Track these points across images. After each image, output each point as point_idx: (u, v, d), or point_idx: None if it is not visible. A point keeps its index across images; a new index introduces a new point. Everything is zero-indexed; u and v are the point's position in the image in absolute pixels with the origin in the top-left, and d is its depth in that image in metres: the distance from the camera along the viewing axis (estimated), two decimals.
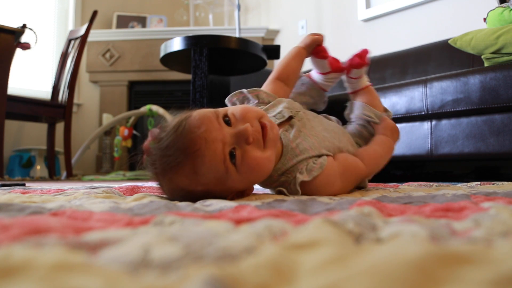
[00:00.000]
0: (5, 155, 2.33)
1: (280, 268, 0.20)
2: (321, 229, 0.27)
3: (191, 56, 1.65)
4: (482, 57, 1.46)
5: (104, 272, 0.19)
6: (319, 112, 0.96)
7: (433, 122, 1.43)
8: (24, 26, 2.19)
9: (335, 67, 0.90)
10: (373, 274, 0.17)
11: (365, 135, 0.89)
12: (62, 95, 2.44)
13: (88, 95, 3.40)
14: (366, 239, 0.28)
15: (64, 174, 2.48)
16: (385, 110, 0.94)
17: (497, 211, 0.36)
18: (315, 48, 0.90)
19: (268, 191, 0.77)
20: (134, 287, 0.18)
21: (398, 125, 0.94)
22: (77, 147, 2.96)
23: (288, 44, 3.08)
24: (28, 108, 2.22)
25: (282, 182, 0.67)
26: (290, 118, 0.72)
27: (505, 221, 0.31)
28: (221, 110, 0.60)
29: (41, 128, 2.74)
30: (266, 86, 0.84)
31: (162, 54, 1.75)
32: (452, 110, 1.34)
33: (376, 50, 2.34)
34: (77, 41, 2.46)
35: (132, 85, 3.41)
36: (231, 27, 3.24)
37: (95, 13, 2.46)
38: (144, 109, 2.75)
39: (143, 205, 0.47)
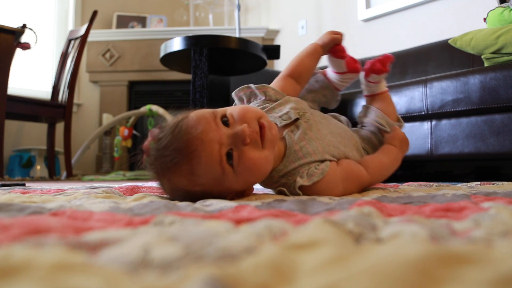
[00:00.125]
0: (5, 155, 2.33)
1: (280, 268, 0.20)
2: (321, 229, 0.27)
3: (191, 56, 1.65)
4: (482, 57, 1.46)
5: (104, 272, 0.19)
6: (329, 110, 0.94)
7: (433, 122, 1.43)
8: (24, 26, 2.19)
9: (352, 68, 0.86)
10: (373, 274, 0.17)
11: (374, 142, 0.87)
12: (62, 95, 2.44)
13: (88, 95, 3.40)
14: (366, 239, 0.28)
15: (64, 174, 2.48)
16: (398, 119, 0.91)
17: (497, 211, 0.36)
18: (333, 46, 0.86)
19: (268, 191, 0.76)
20: (134, 287, 0.18)
21: None
22: (77, 147, 2.96)
23: (288, 44, 3.09)
24: (28, 108, 2.22)
25: (282, 183, 0.66)
26: (297, 119, 0.70)
27: (505, 221, 0.31)
28: (220, 110, 0.60)
29: (41, 128, 2.74)
30: (276, 83, 0.81)
31: (162, 54, 1.75)
32: (452, 110, 1.34)
33: (376, 50, 2.34)
34: (77, 41, 2.46)
35: (132, 85, 3.41)
36: (231, 27, 3.24)
37: (95, 13, 2.46)
38: (144, 109, 2.75)
39: (143, 205, 0.47)
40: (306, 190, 0.64)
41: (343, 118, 0.91)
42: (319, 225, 0.28)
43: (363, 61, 0.90)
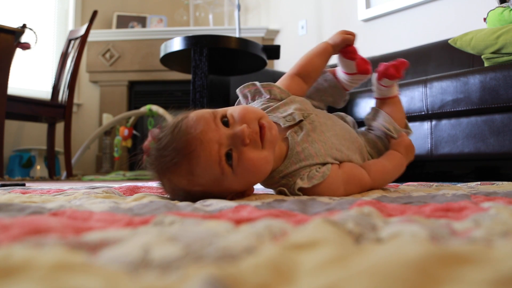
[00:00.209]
0: (5, 155, 2.33)
1: (280, 268, 0.20)
2: (321, 229, 0.27)
3: (191, 56, 1.65)
4: (482, 57, 1.46)
5: (104, 272, 0.19)
6: (336, 110, 0.92)
7: (433, 122, 1.43)
8: (24, 26, 2.19)
9: (362, 70, 0.84)
10: (373, 274, 0.17)
11: (380, 147, 0.85)
12: (62, 95, 2.44)
13: (88, 95, 3.40)
14: (366, 239, 0.28)
15: (64, 174, 2.48)
16: (406, 126, 0.90)
17: (497, 211, 0.36)
18: (344, 47, 0.83)
19: (269, 191, 0.76)
20: (134, 287, 0.18)
21: None
22: (77, 147, 2.96)
23: (288, 44, 3.09)
24: (28, 108, 2.22)
25: (283, 184, 0.66)
26: (301, 121, 0.69)
27: (505, 221, 0.31)
28: (220, 110, 0.59)
29: (41, 128, 2.74)
30: (282, 81, 0.79)
31: (162, 54, 1.75)
32: (452, 110, 1.34)
33: (376, 50, 2.34)
34: (77, 41, 2.46)
35: (132, 85, 3.41)
36: (231, 27, 3.24)
37: (95, 13, 2.46)
38: (144, 109, 2.75)
39: (143, 205, 0.47)
40: (306, 192, 0.64)
41: (349, 118, 0.89)
42: (319, 225, 0.28)
43: (375, 61, 0.87)
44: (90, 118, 3.38)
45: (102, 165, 3.15)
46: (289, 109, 0.71)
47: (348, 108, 1.64)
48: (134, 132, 2.96)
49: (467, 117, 1.34)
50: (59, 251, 0.22)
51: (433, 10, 2.25)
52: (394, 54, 2.13)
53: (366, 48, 2.42)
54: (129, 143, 2.94)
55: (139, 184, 1.03)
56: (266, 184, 0.70)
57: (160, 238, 0.25)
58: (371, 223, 0.31)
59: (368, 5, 2.55)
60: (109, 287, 0.17)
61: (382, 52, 2.24)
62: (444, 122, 1.39)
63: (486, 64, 1.45)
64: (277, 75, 2.30)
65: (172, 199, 0.60)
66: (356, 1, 2.62)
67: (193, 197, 0.56)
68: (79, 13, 3.37)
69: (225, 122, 0.57)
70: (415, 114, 1.44)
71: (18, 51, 2.26)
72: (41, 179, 2.46)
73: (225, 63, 1.86)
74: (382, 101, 0.91)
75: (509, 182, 0.90)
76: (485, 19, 1.55)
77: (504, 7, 1.48)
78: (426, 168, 1.90)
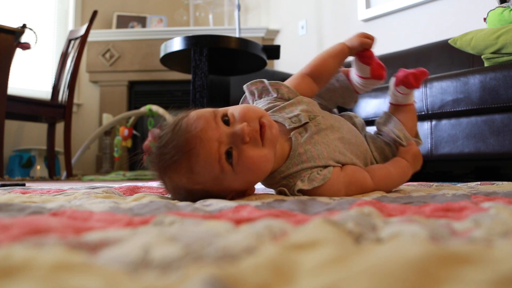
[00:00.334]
0: (5, 155, 2.33)
1: (280, 268, 0.20)
2: (321, 229, 0.27)
3: (191, 56, 1.65)
4: (482, 57, 1.46)
5: (104, 272, 0.19)
6: (346, 110, 0.90)
7: (433, 122, 1.43)
8: (24, 26, 2.19)
9: (376, 75, 0.81)
10: (373, 274, 0.17)
11: (387, 153, 0.83)
12: (62, 95, 2.44)
13: (88, 95, 3.40)
14: (366, 239, 0.28)
15: (64, 174, 2.48)
16: (417, 135, 0.88)
17: (497, 211, 0.36)
18: (361, 50, 0.80)
19: (269, 190, 0.76)
20: (134, 287, 0.18)
21: None
22: (77, 147, 2.96)
23: (288, 44, 3.09)
24: (28, 108, 2.22)
25: (283, 184, 0.66)
26: (306, 123, 0.68)
27: (505, 221, 0.31)
28: (221, 109, 0.60)
29: (41, 128, 2.74)
30: (291, 81, 0.77)
31: (162, 54, 1.75)
32: (452, 110, 1.34)
33: (376, 50, 2.33)
34: (77, 41, 2.46)
35: (132, 85, 3.41)
36: (231, 27, 3.24)
37: (95, 13, 2.46)
38: (144, 109, 2.75)
39: (143, 205, 0.47)
40: (306, 194, 0.64)
41: (358, 120, 0.86)
42: (319, 225, 0.28)
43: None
44: (90, 118, 3.38)
45: (102, 165, 3.15)
46: (295, 110, 0.70)
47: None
48: (134, 132, 2.96)
49: (467, 117, 1.34)
50: (59, 251, 0.22)
51: (433, 10, 2.25)
52: (394, 54, 2.13)
53: None
54: (129, 143, 2.94)
55: (139, 184, 1.03)
56: (267, 183, 0.70)
57: (160, 238, 0.25)
58: (371, 223, 0.31)
59: (368, 5, 2.55)
60: (109, 287, 0.17)
61: (382, 52, 2.24)
62: (444, 122, 1.39)
63: (486, 64, 1.45)
64: (277, 75, 2.30)
65: (173, 198, 0.60)
66: (356, 1, 2.62)
67: (194, 196, 0.56)
68: (79, 13, 3.37)
69: (226, 121, 0.58)
70: None
71: (18, 51, 2.26)
72: (41, 179, 2.46)
73: (225, 63, 1.86)
74: (396, 108, 0.88)
75: (509, 182, 0.90)
76: (485, 19, 1.55)
77: (504, 7, 1.48)
78: (426, 168, 1.90)
